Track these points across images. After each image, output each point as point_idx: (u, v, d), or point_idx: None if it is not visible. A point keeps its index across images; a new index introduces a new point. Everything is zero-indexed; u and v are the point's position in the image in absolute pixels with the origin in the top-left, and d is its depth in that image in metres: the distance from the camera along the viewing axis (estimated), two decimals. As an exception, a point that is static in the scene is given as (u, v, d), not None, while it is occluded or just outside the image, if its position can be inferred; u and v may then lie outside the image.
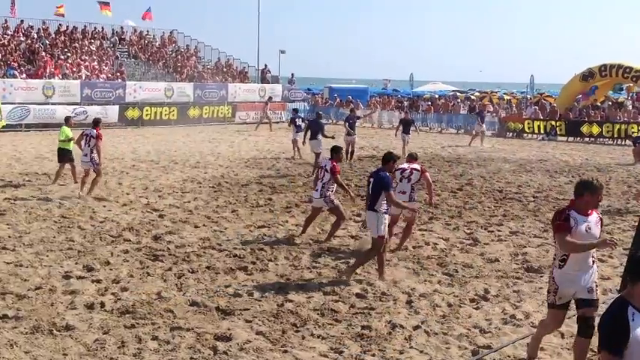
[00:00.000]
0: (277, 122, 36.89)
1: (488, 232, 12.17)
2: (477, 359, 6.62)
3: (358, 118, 24.68)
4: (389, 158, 9.40)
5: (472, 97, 49.39)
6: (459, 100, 43.26)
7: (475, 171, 20.31)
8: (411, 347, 6.79)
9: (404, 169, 10.80)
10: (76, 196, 14.21)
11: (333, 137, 19.70)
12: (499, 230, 12.30)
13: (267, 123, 34.29)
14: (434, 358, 6.59)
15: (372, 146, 27.25)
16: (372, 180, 9.20)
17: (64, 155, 15.88)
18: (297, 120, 22.93)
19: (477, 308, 8.03)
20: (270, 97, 40.18)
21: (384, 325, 7.30)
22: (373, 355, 6.60)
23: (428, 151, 25.16)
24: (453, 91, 57.82)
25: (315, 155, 19.22)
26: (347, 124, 22.37)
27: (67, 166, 15.90)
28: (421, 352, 6.70)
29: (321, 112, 24.28)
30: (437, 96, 48.08)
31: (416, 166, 10.92)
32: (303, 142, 20.44)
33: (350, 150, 21.58)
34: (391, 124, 38.51)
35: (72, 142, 15.70)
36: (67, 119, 17.01)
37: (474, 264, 9.93)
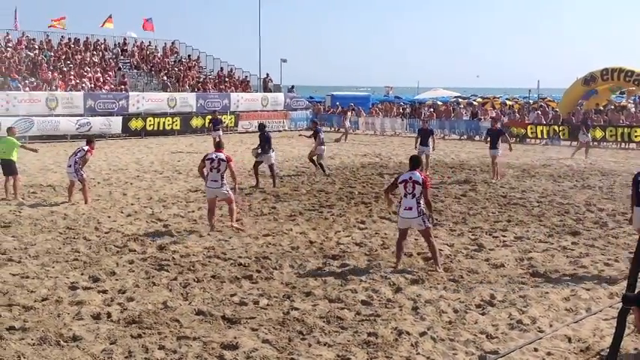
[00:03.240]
0: (279, 131, 36.98)
1: (493, 237, 12.16)
2: (484, 365, 6.61)
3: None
4: None
5: (474, 102, 49.52)
6: (462, 106, 43.33)
7: (479, 177, 20.31)
8: (418, 354, 6.78)
9: (212, 160, 12.10)
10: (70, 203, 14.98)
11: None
12: (504, 236, 12.29)
13: (349, 133, 34.92)
14: (441, 364, 6.58)
15: (374, 153, 27.33)
16: None
17: (9, 167, 15.80)
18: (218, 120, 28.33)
19: (483, 314, 8.02)
20: (350, 106, 40.43)
21: (391, 332, 7.29)
22: (380, 361, 6.59)
23: (431, 158, 25.10)
24: (455, 97, 57.93)
25: (268, 167, 18.26)
26: (318, 136, 20.30)
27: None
28: (428, 358, 6.69)
29: (264, 123, 20.95)
30: (439, 102, 48.15)
31: (222, 155, 12.19)
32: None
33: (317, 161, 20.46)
34: (393, 131, 38.64)
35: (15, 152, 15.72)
36: (10, 129, 16.54)
37: (479, 269, 9.92)
